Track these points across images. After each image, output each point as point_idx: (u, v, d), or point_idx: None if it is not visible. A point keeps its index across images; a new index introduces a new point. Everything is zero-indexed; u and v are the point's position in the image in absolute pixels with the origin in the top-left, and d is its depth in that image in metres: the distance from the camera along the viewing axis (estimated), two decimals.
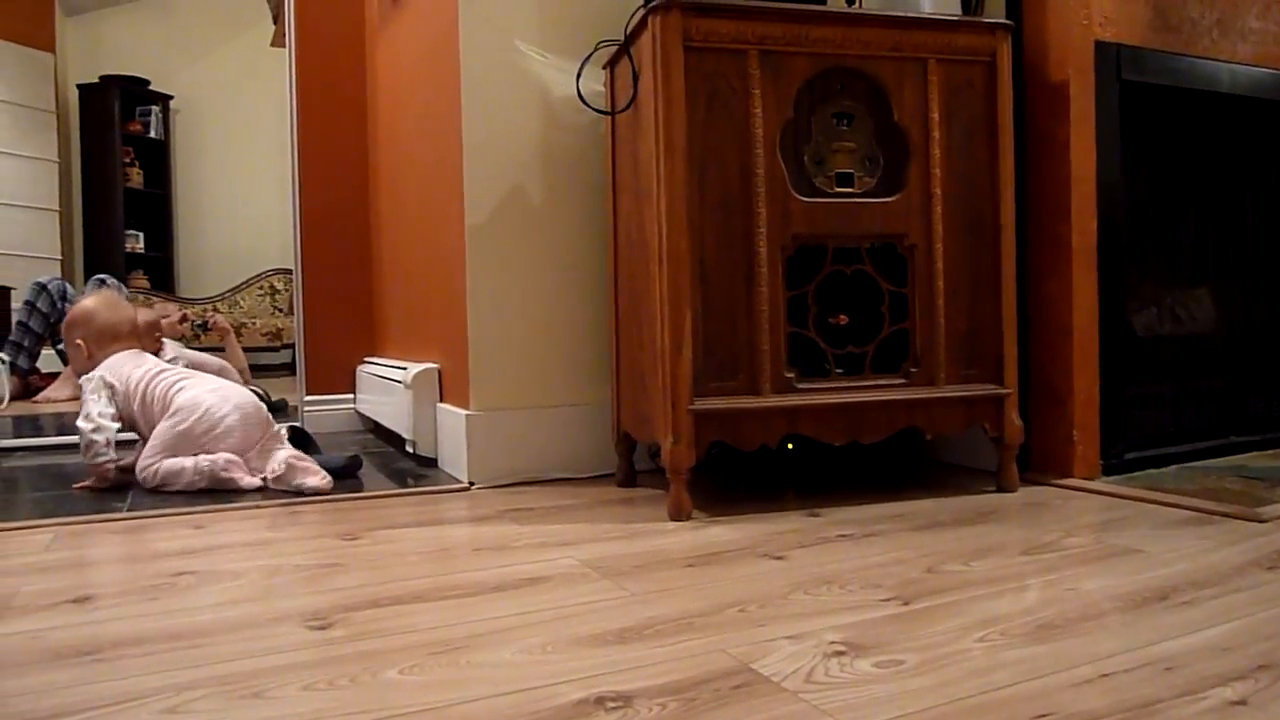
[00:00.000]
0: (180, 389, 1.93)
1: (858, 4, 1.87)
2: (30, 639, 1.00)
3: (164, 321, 4.77)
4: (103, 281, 3.94)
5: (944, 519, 1.48)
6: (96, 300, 2.09)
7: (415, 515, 1.62)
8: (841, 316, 1.60)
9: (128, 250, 6.36)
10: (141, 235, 6.45)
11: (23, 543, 1.45)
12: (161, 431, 1.88)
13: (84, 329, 2.01)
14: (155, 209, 6.55)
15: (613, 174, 1.79)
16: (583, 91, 1.75)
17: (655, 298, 1.54)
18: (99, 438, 1.85)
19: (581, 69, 1.74)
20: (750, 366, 1.54)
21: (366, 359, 2.81)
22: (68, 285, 4.39)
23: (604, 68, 1.80)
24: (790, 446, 1.93)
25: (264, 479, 1.86)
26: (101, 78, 6.17)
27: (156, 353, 2.38)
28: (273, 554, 1.36)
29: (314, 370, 2.84)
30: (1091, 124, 1.76)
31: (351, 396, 2.86)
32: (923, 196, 1.62)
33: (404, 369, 2.16)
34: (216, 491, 1.82)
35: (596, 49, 1.75)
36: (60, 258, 5.70)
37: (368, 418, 2.73)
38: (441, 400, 2.05)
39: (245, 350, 4.58)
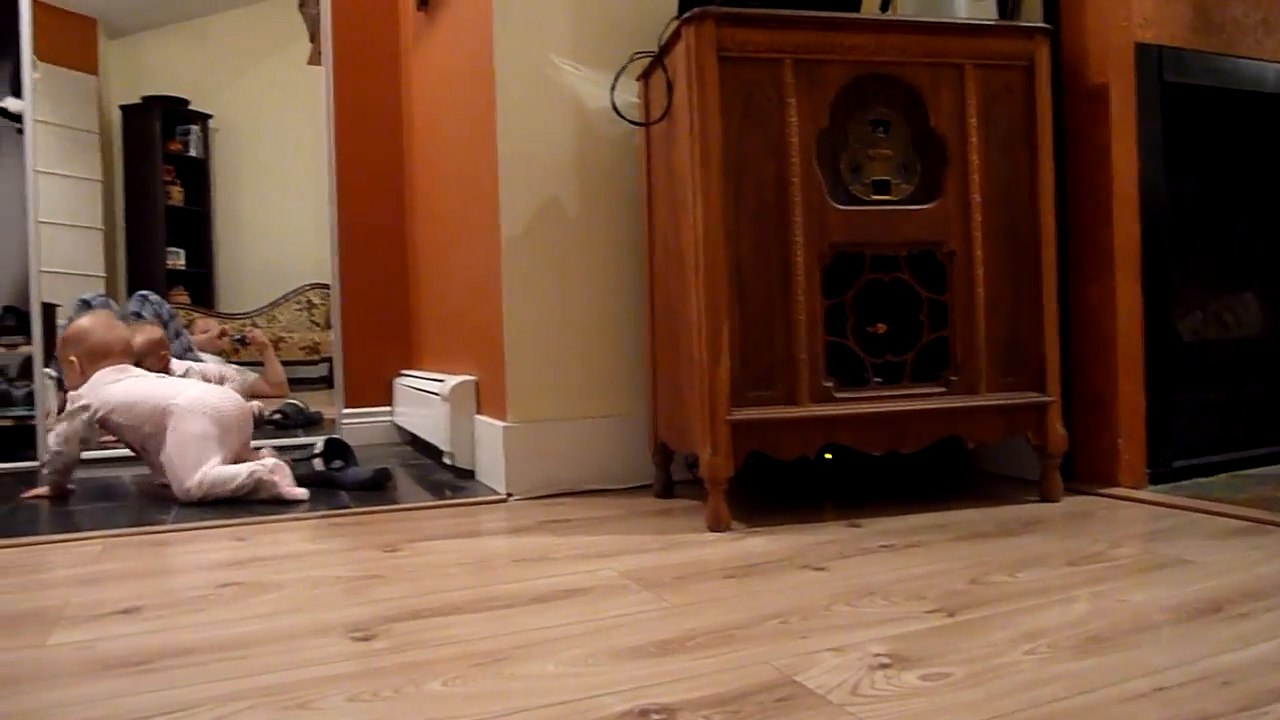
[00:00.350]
0: (174, 398, 1.98)
1: (892, 10, 1.87)
2: (81, 649, 1.01)
3: (202, 336, 4.86)
4: (87, 304, 3.99)
5: (987, 529, 1.46)
6: (91, 320, 2.15)
7: (454, 527, 1.62)
8: (880, 325, 1.59)
9: (169, 267, 6.46)
10: (182, 252, 6.55)
11: (73, 554, 1.48)
12: (176, 442, 1.92)
13: (77, 347, 2.08)
14: (195, 226, 6.65)
15: (648, 185, 1.79)
16: (617, 103, 1.76)
17: (692, 308, 1.54)
18: (59, 459, 1.98)
19: (616, 81, 1.75)
20: (788, 376, 1.53)
21: (403, 372, 2.83)
22: (111, 301, 4.47)
23: (638, 79, 1.81)
24: (828, 456, 1.91)
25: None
26: (143, 98, 6.27)
27: (165, 370, 2.42)
28: (314, 565, 1.37)
29: (352, 383, 2.87)
30: (1133, 127, 1.74)
31: (389, 409, 2.89)
32: (961, 203, 1.61)
33: (441, 381, 2.17)
34: (251, 502, 1.87)
35: (631, 61, 1.75)
36: (104, 275, 5.81)
37: (405, 430, 2.75)
38: (478, 412, 2.06)
39: (283, 364, 4.62)
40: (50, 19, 3.29)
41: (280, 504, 1.84)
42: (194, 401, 1.97)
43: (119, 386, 2.02)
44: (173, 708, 0.84)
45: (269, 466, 1.90)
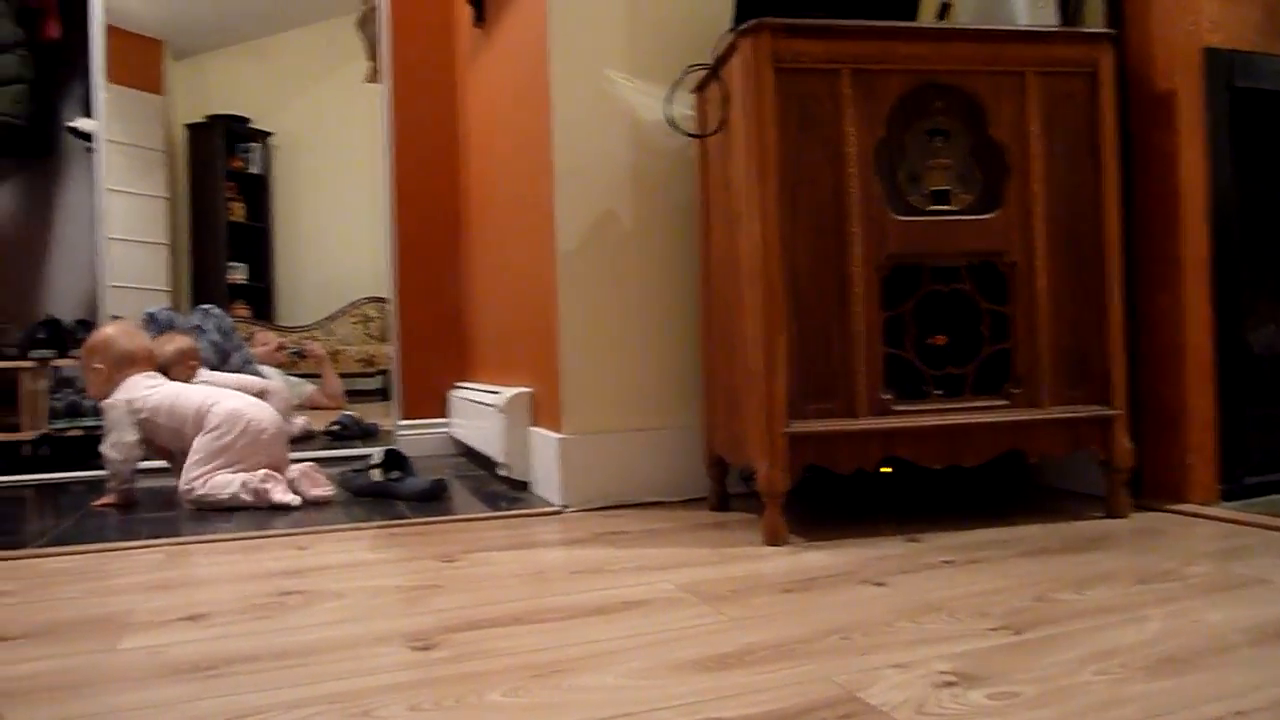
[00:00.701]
0: (216, 402, 2.06)
1: (949, 19, 1.85)
2: (149, 655, 1.04)
3: (262, 349, 4.95)
4: (152, 317, 4.09)
5: (1051, 546, 1.43)
6: (115, 329, 2.25)
7: (510, 538, 1.63)
8: (939, 337, 1.57)
9: (230, 281, 6.62)
10: (244, 266, 6.71)
11: (138, 561, 1.52)
12: (202, 446, 2.00)
13: (103, 354, 2.16)
14: (256, 241, 6.81)
15: (703, 197, 1.79)
16: (672, 116, 1.76)
17: (748, 320, 1.53)
18: (124, 467, 2.04)
19: (671, 94, 1.76)
20: (846, 388, 1.52)
21: (459, 384, 2.86)
22: (176, 315, 4.59)
23: (693, 92, 1.81)
24: (886, 470, 1.89)
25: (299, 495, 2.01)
26: (207, 117, 6.45)
27: (189, 380, 2.49)
28: (373, 575, 1.39)
29: (408, 395, 2.91)
30: (1201, 133, 1.69)
31: (444, 420, 2.92)
32: (1022, 212, 1.58)
33: (496, 393, 2.19)
34: (258, 509, 1.95)
35: (686, 74, 1.76)
36: (169, 289, 5.97)
37: (460, 441, 2.78)
38: (534, 424, 2.07)
39: (340, 376, 4.71)
40: (120, 41, 3.40)
41: (275, 509, 1.94)
42: (231, 414, 2.04)
43: (159, 391, 2.10)
44: (240, 713, 0.86)
45: (260, 476, 1.99)
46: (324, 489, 2.04)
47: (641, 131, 1.93)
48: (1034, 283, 1.58)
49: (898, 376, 1.55)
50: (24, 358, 3.19)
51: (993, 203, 1.59)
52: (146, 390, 2.10)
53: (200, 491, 1.97)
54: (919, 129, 1.58)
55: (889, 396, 1.53)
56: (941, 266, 1.57)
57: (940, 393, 1.57)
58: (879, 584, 1.24)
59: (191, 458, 2.02)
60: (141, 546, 1.62)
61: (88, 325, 2.68)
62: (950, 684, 0.87)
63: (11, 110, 3.14)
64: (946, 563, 1.34)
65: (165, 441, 2.11)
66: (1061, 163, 1.60)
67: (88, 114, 3.11)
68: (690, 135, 1.80)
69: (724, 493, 1.81)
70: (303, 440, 3.04)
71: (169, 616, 1.18)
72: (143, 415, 2.07)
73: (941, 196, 1.58)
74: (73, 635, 1.13)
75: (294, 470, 2.06)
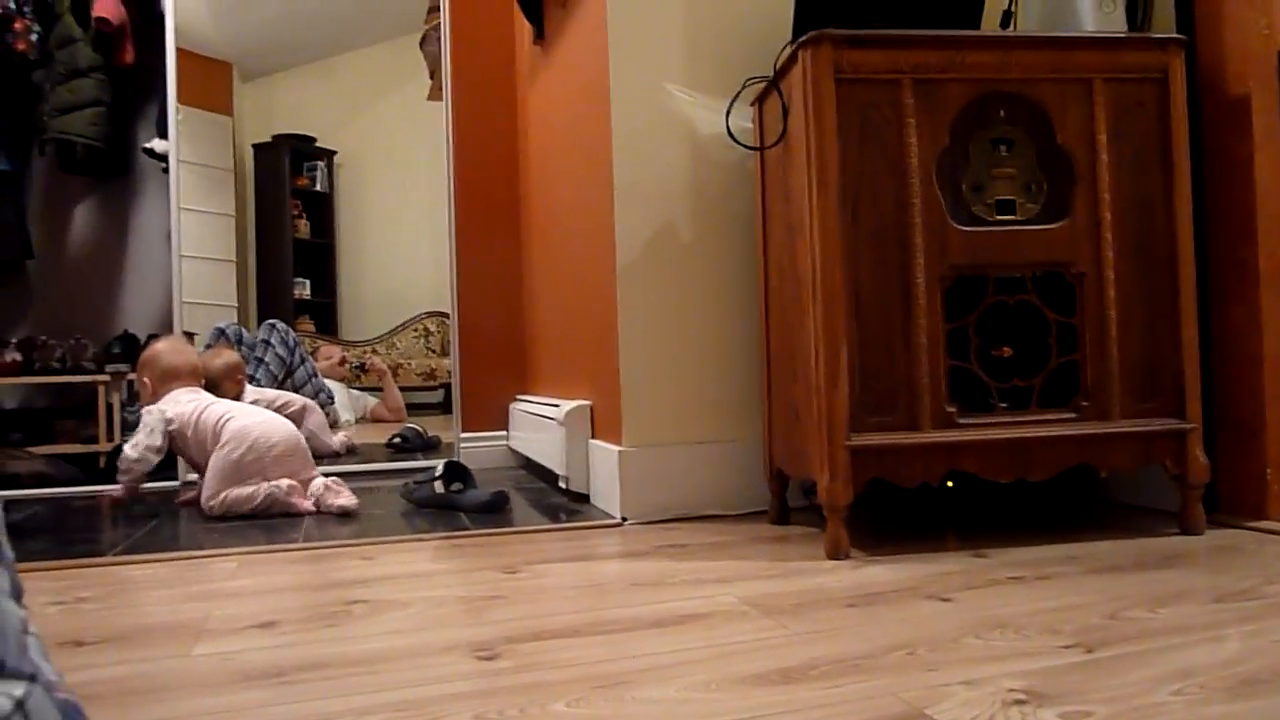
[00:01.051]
0: (229, 418, 2.14)
1: (1013, 26, 1.83)
2: (223, 660, 1.06)
3: (325, 363, 5.05)
4: (221, 331, 4.20)
5: (1123, 562, 1.40)
6: (163, 344, 2.36)
7: (570, 550, 1.64)
8: (1005, 349, 1.55)
9: (296, 297, 6.78)
10: (308, 282, 6.87)
11: (211, 570, 1.56)
12: (216, 462, 2.10)
13: (150, 369, 2.28)
14: (320, 257, 6.96)
15: (762, 208, 1.79)
16: (732, 128, 1.77)
17: (809, 331, 1.52)
18: (139, 467, 2.16)
19: (730, 107, 1.76)
20: (909, 401, 1.50)
21: (519, 396, 2.89)
22: (243, 330, 4.71)
23: (752, 104, 1.81)
24: (950, 485, 1.86)
25: (315, 503, 2.09)
26: (273, 137, 6.63)
27: (238, 395, 2.61)
28: (437, 585, 1.41)
29: (469, 408, 2.95)
30: (1277, 138, 1.65)
31: (504, 433, 2.95)
32: (1090, 222, 1.55)
33: (556, 406, 2.21)
34: (275, 516, 2.04)
35: (745, 86, 1.76)
36: (236, 304, 6.14)
37: (520, 454, 2.80)
38: (593, 436, 2.09)
39: (401, 389, 4.77)
40: (191, 65, 3.51)
41: (290, 517, 2.04)
42: (239, 430, 2.12)
43: (190, 405, 2.20)
44: (311, 718, 0.87)
45: (284, 488, 2.07)
46: (346, 499, 2.08)
47: (700, 144, 1.94)
48: (1103, 293, 1.55)
49: (962, 389, 1.53)
50: (101, 371, 3.30)
51: (1060, 212, 1.56)
52: (184, 404, 2.18)
53: (221, 510, 2.06)
54: (983, 138, 1.56)
55: (953, 409, 1.51)
56: (1006, 277, 1.55)
57: (1005, 406, 1.54)
58: (944, 599, 1.22)
59: (208, 473, 2.11)
60: (214, 555, 1.66)
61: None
62: (1020, 702, 0.85)
63: (89, 132, 3.26)
64: (1014, 579, 1.32)
65: (194, 455, 2.19)
66: (1131, 171, 1.57)
67: (161, 135, 3.22)
68: (749, 148, 1.81)
69: (784, 506, 1.80)
70: (344, 456, 3.09)
71: (241, 624, 1.21)
72: (173, 427, 2.17)
73: (1006, 206, 1.56)
74: (149, 641, 1.16)
75: (317, 483, 2.12)
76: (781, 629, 1.11)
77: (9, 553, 0.47)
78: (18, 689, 0.42)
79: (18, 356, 3.20)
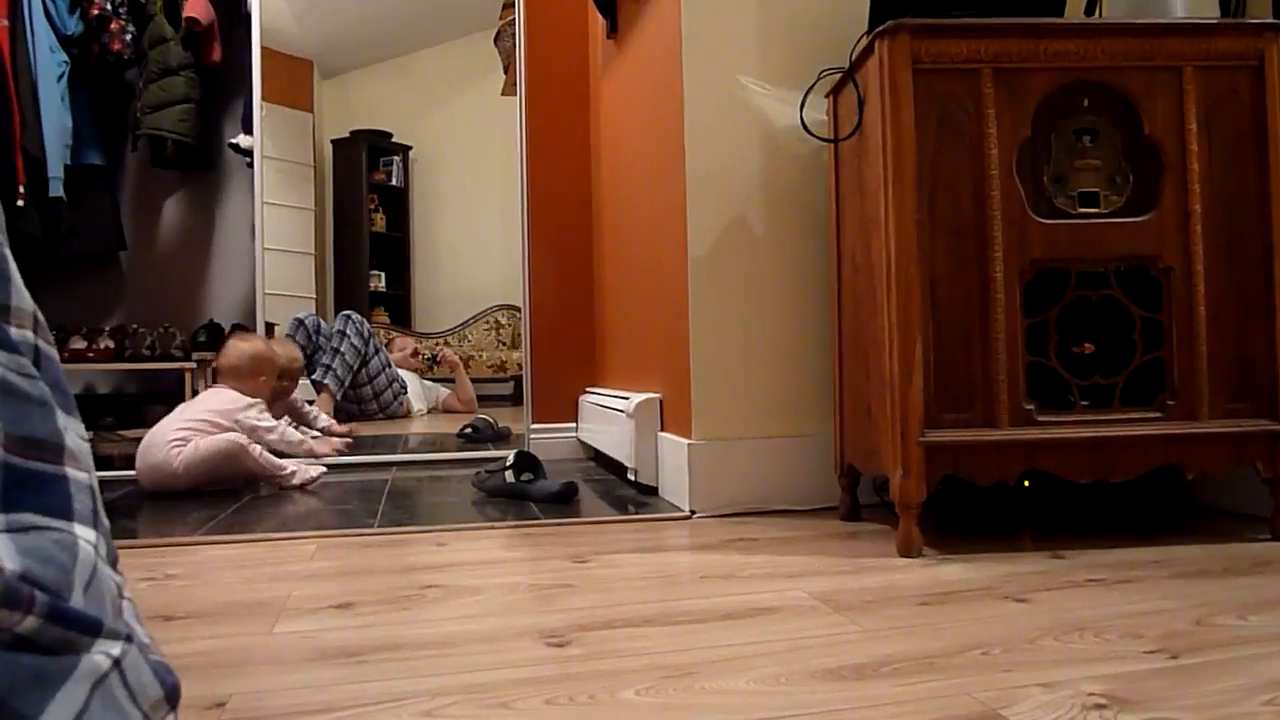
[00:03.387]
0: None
1: (1098, 13, 1.77)
2: (302, 639, 1.09)
3: (399, 354, 5.15)
4: (300, 322, 4.30)
5: (1211, 567, 1.35)
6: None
7: (639, 541, 1.65)
8: (1087, 345, 1.50)
9: (371, 289, 6.93)
10: (383, 275, 7.01)
11: (291, 551, 1.60)
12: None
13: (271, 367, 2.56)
14: (395, 251, 7.10)
15: (836, 201, 1.77)
16: (806, 120, 1.75)
17: (883, 325, 1.50)
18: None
19: (804, 99, 1.74)
20: (986, 397, 1.47)
21: (589, 389, 2.91)
22: (321, 320, 4.83)
23: (826, 96, 1.79)
24: (1026, 484, 1.82)
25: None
26: (351, 133, 6.78)
27: (288, 394, 2.79)
28: (508, 572, 1.43)
29: (540, 400, 2.97)
30: None
31: (574, 425, 2.97)
32: (1179, 214, 1.50)
33: (626, 399, 2.21)
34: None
35: (820, 78, 1.74)
36: (314, 296, 6.30)
37: (589, 446, 2.82)
38: (663, 429, 2.09)
39: (473, 381, 4.85)
40: (275, 63, 3.60)
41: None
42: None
43: None
44: (385, 698, 0.89)
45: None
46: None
47: (774, 137, 1.92)
48: (1192, 288, 1.49)
49: (1041, 386, 1.49)
50: (188, 359, 3.41)
51: (1146, 205, 1.51)
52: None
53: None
54: (1066, 129, 1.52)
55: (1032, 407, 1.47)
56: (1089, 271, 1.50)
57: (1087, 403, 1.50)
58: (1021, 600, 1.20)
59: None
60: (294, 538, 1.71)
61: (244, 329, 2.85)
62: (1100, 706, 0.83)
63: (180, 129, 3.37)
64: (1094, 581, 1.28)
65: None
66: (1222, 162, 1.51)
67: (247, 131, 3.31)
68: (824, 140, 1.78)
69: (855, 502, 1.78)
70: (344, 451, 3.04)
71: (320, 604, 1.24)
72: None
73: (1090, 199, 1.51)
74: (233, 618, 1.20)
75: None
76: (853, 625, 1.10)
77: (105, 521, 0.49)
78: (115, 648, 0.44)
79: (110, 344, 3.33)
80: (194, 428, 2.31)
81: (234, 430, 2.32)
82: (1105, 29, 1.51)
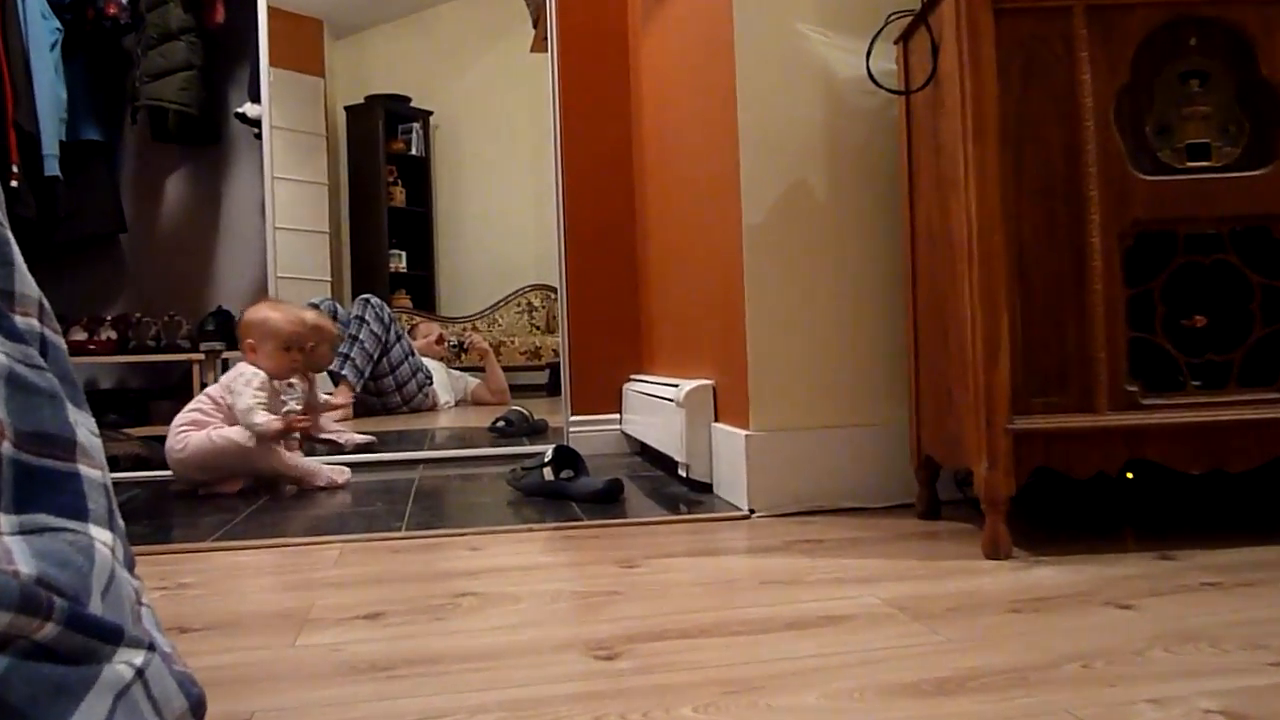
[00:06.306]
0: None
1: None
2: (329, 651, 1.11)
3: (423, 341, 5.19)
4: (315, 308, 4.35)
5: None
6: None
7: (693, 544, 1.65)
8: (1198, 318, 1.48)
9: (391, 270, 6.99)
10: (404, 254, 7.07)
11: (313, 557, 1.63)
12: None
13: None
14: (416, 227, 7.15)
15: (908, 161, 1.76)
16: (873, 70, 1.73)
17: (964, 299, 1.49)
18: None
19: (871, 46, 1.72)
20: (1082, 378, 1.45)
21: (633, 376, 2.92)
22: (337, 305, 4.89)
23: (896, 43, 1.77)
24: (1129, 475, 1.79)
25: None
26: (366, 98, 6.84)
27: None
28: (550, 579, 1.44)
29: (579, 389, 2.99)
30: None
31: (617, 416, 2.98)
32: None
33: (675, 386, 2.22)
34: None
35: (887, 23, 1.72)
36: (329, 279, 6.37)
37: (635, 439, 2.83)
38: (717, 420, 2.09)
39: (504, 369, 4.88)
40: (281, 23, 3.63)
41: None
42: None
43: None
44: (419, 715, 0.91)
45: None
46: None
47: (837, 90, 1.91)
48: None
49: (1145, 365, 1.47)
50: (195, 349, 3.48)
51: (1265, 157, 1.47)
52: None
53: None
54: (1170, 73, 1.49)
55: (1135, 388, 1.45)
56: (1199, 234, 1.47)
57: (1198, 384, 1.47)
58: (1124, 606, 1.18)
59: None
60: (315, 543, 1.74)
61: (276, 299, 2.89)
62: None
63: (181, 98, 3.43)
64: (1209, 585, 1.26)
65: None
66: None
67: (254, 99, 3.35)
68: (893, 92, 1.77)
69: (934, 499, 1.77)
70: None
71: (346, 614, 1.27)
72: None
73: (1199, 151, 1.48)
74: (252, 629, 1.23)
75: None
76: (934, 635, 1.10)
77: (120, 522, 0.51)
78: (138, 657, 0.45)
79: (113, 335, 3.40)
80: (196, 408, 2.39)
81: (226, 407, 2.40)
82: None
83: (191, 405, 2.44)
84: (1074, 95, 1.47)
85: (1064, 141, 1.47)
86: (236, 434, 2.35)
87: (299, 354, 2.53)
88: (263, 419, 2.36)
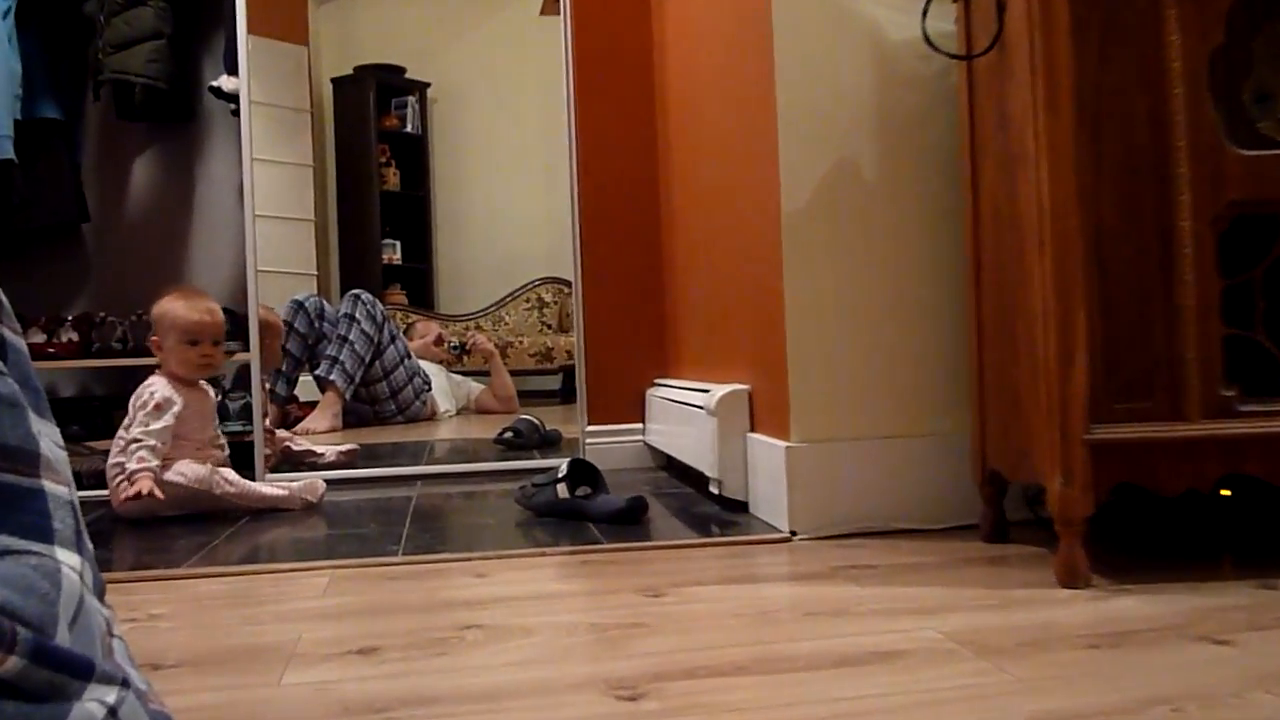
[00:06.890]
0: None
1: None
2: (319, 690, 1.12)
3: (419, 342, 5.21)
4: (300, 306, 4.36)
5: None
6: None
7: (727, 570, 1.66)
8: None
9: (384, 261, 7.01)
10: (398, 244, 7.09)
11: (300, 585, 1.64)
12: None
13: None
14: (412, 214, 7.17)
15: (970, 136, 1.76)
16: (929, 32, 1.73)
17: (1035, 292, 1.49)
18: None
19: (927, 5, 1.72)
20: (1170, 382, 1.45)
21: (658, 381, 2.92)
22: (324, 303, 4.91)
23: (955, 1, 1.77)
24: (1225, 492, 1.78)
25: None
26: (356, 69, 6.87)
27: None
28: (565, 609, 1.45)
29: (596, 396, 2.99)
30: None
31: (640, 426, 2.98)
32: None
33: (706, 391, 2.22)
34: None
35: None
36: (315, 272, 6.40)
37: (660, 451, 2.84)
38: (753, 429, 2.09)
39: (512, 374, 4.89)
40: None
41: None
42: None
43: None
44: None
45: None
46: None
47: (887, 55, 1.91)
48: None
49: (1243, 366, 1.47)
50: None
51: None
52: None
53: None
54: (1272, 31, 1.49)
55: (1232, 393, 1.45)
56: None
57: None
58: (1220, 642, 1.18)
59: None
60: (302, 569, 1.75)
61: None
62: None
63: (149, 71, 3.44)
64: None
65: None
66: None
67: (230, 72, 3.36)
68: (953, 57, 1.77)
69: (1001, 518, 1.77)
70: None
71: (337, 649, 1.28)
72: None
73: None
74: (233, 666, 1.24)
75: None
76: (1002, 673, 1.10)
77: (89, 545, 0.51)
78: (110, 694, 0.46)
79: (74, 336, 3.42)
80: (122, 438, 2.34)
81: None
82: None
83: (120, 433, 2.35)
84: (1161, 59, 1.46)
85: (1149, 111, 1.47)
86: (182, 474, 2.30)
87: (209, 349, 2.46)
88: (133, 464, 2.26)
